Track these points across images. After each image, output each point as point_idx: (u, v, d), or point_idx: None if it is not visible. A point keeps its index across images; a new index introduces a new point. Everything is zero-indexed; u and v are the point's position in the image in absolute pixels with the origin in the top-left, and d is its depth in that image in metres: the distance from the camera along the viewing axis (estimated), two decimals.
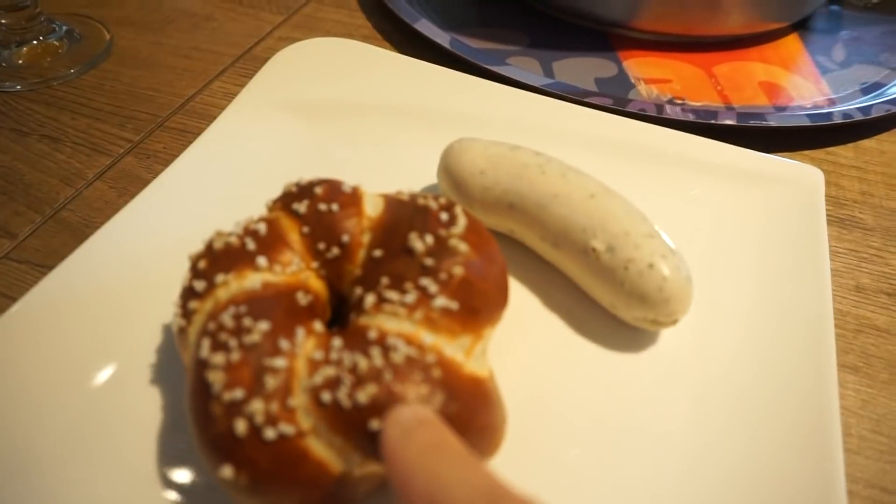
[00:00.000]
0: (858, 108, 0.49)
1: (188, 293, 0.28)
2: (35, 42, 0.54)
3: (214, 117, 0.47)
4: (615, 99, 0.49)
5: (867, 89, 0.55)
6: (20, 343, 0.31)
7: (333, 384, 0.24)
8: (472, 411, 0.25)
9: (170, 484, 0.28)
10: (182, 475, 0.28)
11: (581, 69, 0.55)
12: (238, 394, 0.24)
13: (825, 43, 0.61)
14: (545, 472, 0.29)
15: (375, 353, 0.25)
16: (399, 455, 0.20)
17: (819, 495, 0.28)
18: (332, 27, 0.61)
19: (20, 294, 0.36)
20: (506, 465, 0.28)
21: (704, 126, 0.47)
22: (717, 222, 0.40)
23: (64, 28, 0.57)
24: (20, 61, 0.54)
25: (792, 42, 0.61)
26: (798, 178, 0.42)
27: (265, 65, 0.49)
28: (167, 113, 0.50)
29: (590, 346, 0.34)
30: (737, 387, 0.32)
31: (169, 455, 0.29)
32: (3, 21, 0.53)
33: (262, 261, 0.28)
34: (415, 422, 0.22)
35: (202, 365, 0.25)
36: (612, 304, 0.33)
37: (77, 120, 0.49)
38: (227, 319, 0.26)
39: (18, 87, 0.52)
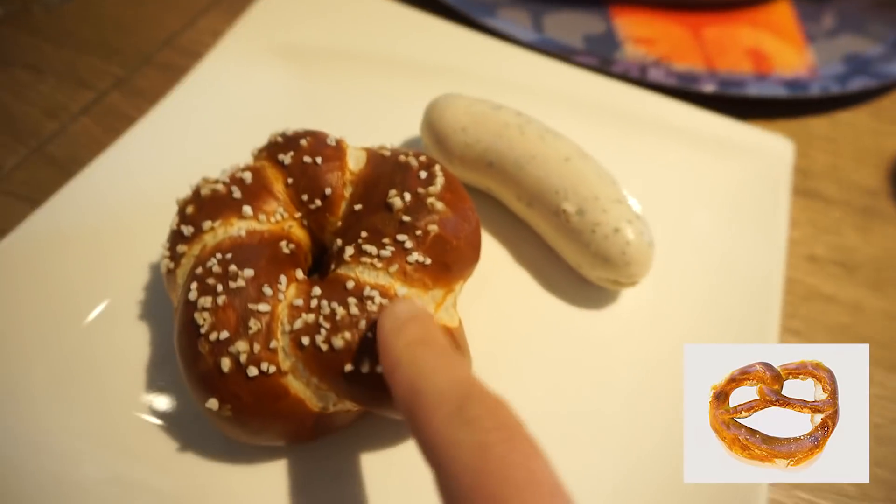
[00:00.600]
0: (836, 81, 0.50)
1: (176, 237, 0.30)
2: None
3: (201, 55, 0.47)
4: (601, 59, 0.49)
5: (850, 60, 0.55)
6: (9, 277, 0.32)
7: (312, 329, 0.26)
8: None
9: (158, 414, 0.30)
10: (169, 405, 0.31)
11: (571, 24, 0.55)
12: (224, 334, 0.26)
13: (815, 9, 0.61)
14: None
15: (352, 302, 0.26)
16: (390, 347, 0.23)
17: None
18: None
19: (6, 227, 0.37)
20: None
21: (686, 91, 0.48)
22: (686, 187, 0.42)
23: None
24: None
25: (782, 7, 0.61)
26: (768, 148, 0.43)
27: (253, 4, 0.48)
28: (154, 48, 0.50)
29: (555, 301, 0.36)
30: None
31: (157, 386, 0.31)
32: None
33: (247, 209, 0.30)
34: (406, 316, 0.24)
35: (191, 307, 0.26)
36: (577, 263, 0.35)
37: (61, 51, 0.49)
38: (214, 265, 0.27)
39: None
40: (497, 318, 0.35)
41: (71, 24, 0.51)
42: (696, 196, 0.42)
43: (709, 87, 0.49)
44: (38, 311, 0.32)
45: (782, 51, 0.56)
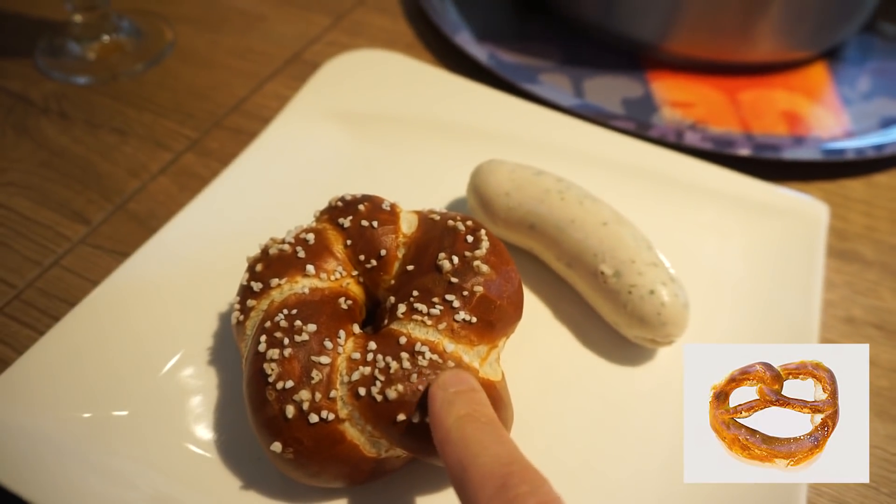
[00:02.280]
0: (873, 145, 0.52)
1: (246, 291, 0.33)
2: (105, 38, 0.59)
3: (266, 119, 0.52)
4: (638, 123, 0.52)
5: (886, 123, 0.56)
6: (98, 325, 0.36)
7: (368, 381, 0.29)
8: None
9: (223, 453, 0.33)
10: (234, 445, 0.33)
11: (609, 89, 0.58)
12: (289, 383, 0.29)
13: (851, 73, 0.63)
14: (544, 465, 0.33)
15: (405, 356, 0.29)
16: (441, 421, 0.26)
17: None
18: (377, 33, 0.65)
19: (95, 276, 0.42)
20: None
21: (721, 155, 0.50)
22: (721, 249, 0.43)
23: (130, 25, 0.61)
24: (91, 56, 0.59)
25: (818, 70, 0.63)
26: (803, 211, 0.45)
27: (316, 73, 0.53)
28: (223, 112, 0.55)
29: (592, 358, 0.38)
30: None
31: (222, 428, 0.34)
32: (78, 19, 0.58)
33: (310, 268, 0.33)
34: (455, 390, 0.27)
35: (260, 357, 0.29)
36: (615, 322, 0.37)
37: (142, 115, 0.54)
38: (281, 319, 0.30)
39: (90, 80, 0.57)
40: (538, 372, 0.37)
41: (151, 90, 0.56)
42: (732, 257, 0.43)
43: (744, 151, 0.50)
44: (121, 354, 0.35)
45: (818, 114, 0.57)
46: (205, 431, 0.34)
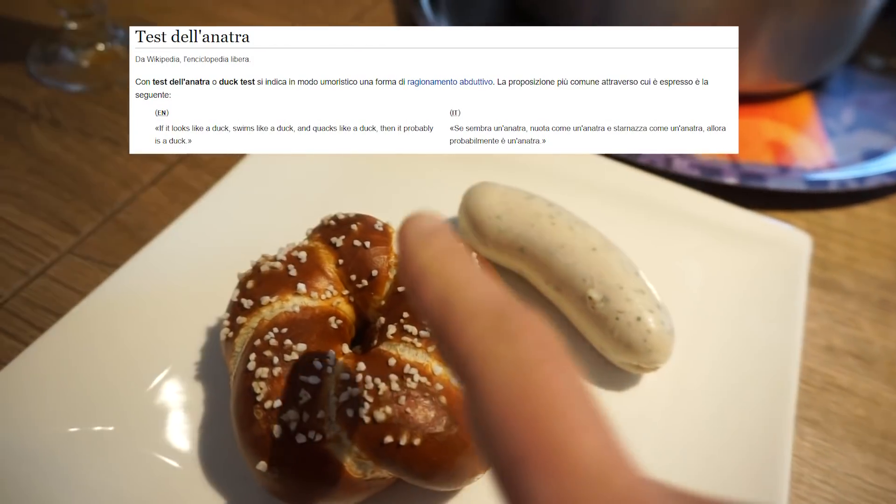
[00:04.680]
0: (855, 178, 0.53)
1: (236, 308, 0.33)
2: (100, 47, 0.59)
3: None
4: None
5: (869, 156, 0.58)
6: (85, 337, 0.36)
7: (357, 402, 0.29)
8: (469, 434, 0.30)
9: (207, 470, 0.33)
10: (219, 463, 0.33)
11: None
12: (277, 403, 0.29)
13: (836, 105, 0.65)
14: None
15: (393, 378, 0.29)
16: (415, 256, 0.21)
17: None
18: None
19: (82, 287, 0.41)
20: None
21: (708, 182, 0.51)
22: (707, 277, 0.44)
23: (126, 34, 0.61)
24: (85, 64, 0.58)
25: (804, 101, 0.65)
26: (787, 241, 0.46)
27: None
28: None
29: None
30: (702, 430, 0.36)
31: (209, 445, 0.34)
32: (72, 26, 0.58)
33: (301, 287, 0.33)
34: (431, 229, 0.22)
35: (249, 376, 0.29)
36: (601, 347, 0.38)
37: None
38: (271, 338, 0.30)
39: (83, 88, 0.56)
40: None
41: None
42: (717, 285, 0.44)
43: (731, 180, 0.51)
44: (108, 371, 0.35)
45: (803, 144, 0.59)
46: (191, 449, 0.33)
